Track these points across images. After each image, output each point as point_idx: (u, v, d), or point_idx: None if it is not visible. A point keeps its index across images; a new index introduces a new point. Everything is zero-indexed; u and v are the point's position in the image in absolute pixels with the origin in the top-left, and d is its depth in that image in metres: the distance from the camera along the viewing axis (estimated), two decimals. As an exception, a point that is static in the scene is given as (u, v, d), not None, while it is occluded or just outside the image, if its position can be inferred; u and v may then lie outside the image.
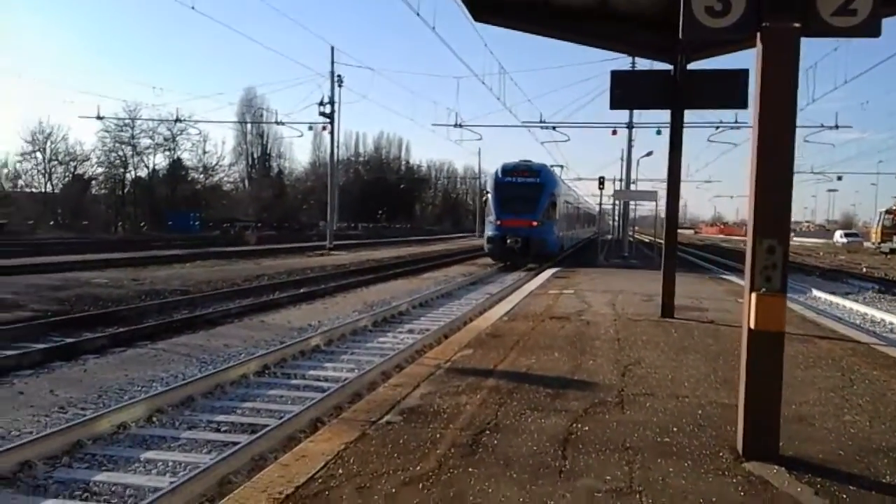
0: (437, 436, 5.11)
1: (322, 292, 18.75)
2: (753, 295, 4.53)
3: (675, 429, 5.39)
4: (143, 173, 67.90)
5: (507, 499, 4.03)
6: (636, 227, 44.26)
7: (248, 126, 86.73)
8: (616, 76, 11.37)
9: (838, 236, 73.35)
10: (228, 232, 59.82)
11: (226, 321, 13.46)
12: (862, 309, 17.92)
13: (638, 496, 4.09)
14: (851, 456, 4.86)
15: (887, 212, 51.62)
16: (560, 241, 33.85)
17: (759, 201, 4.56)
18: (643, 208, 54.40)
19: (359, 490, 4.12)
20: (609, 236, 37.09)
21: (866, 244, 53.51)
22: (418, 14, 17.36)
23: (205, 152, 72.34)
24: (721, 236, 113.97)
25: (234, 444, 6.37)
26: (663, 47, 10.98)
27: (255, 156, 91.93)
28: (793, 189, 4.62)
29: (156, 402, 7.36)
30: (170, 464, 5.96)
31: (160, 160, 69.14)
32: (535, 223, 29.14)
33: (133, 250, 31.56)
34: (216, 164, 75.55)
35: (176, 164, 69.86)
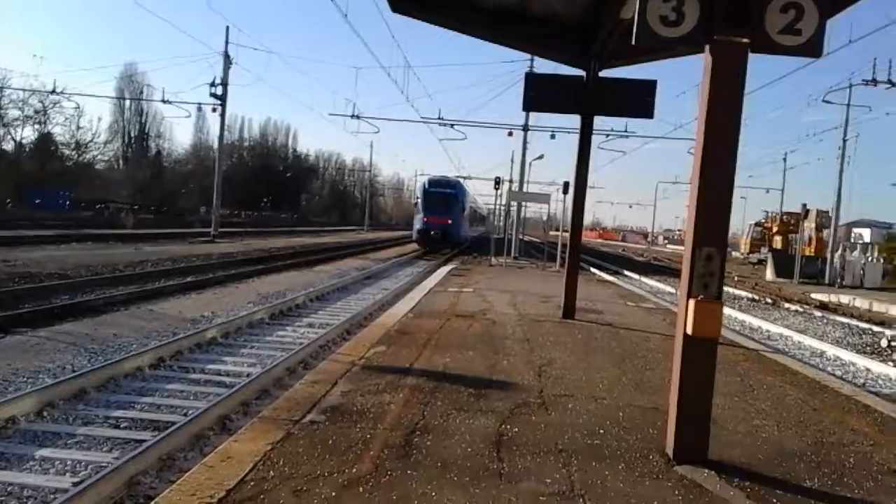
0: (367, 436, 4.94)
1: (212, 281, 18.06)
2: (691, 301, 4.61)
3: (601, 431, 5.43)
4: (8, 147, 63.34)
5: (453, 502, 3.93)
6: (523, 229, 44.98)
7: (127, 103, 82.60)
8: (530, 79, 11.48)
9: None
10: (102, 213, 56.64)
11: (111, 309, 12.70)
12: (739, 316, 18.90)
13: (581, 500, 4.08)
14: (770, 460, 5.04)
15: (757, 224, 54.89)
16: (466, 234, 48.72)
17: (700, 210, 4.65)
18: (528, 210, 55.57)
19: (296, 494, 3.91)
20: (496, 235, 37.53)
21: (735, 254, 56.74)
22: (332, 0, 16.98)
23: (79, 128, 68.46)
24: (600, 241, 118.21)
25: (138, 441, 6.01)
26: (578, 53, 11.13)
27: (133, 134, 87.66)
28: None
29: (46, 395, 6.81)
30: (69, 463, 5.53)
31: (28, 133, 64.68)
32: (449, 221, 41.89)
33: (-2, 229, 29.38)
34: (90, 142, 71.60)
35: (45, 139, 65.54)
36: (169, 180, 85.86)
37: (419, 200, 44.23)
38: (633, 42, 4.59)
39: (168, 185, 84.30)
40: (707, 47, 4.60)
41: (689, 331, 4.62)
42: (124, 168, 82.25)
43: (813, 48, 4.53)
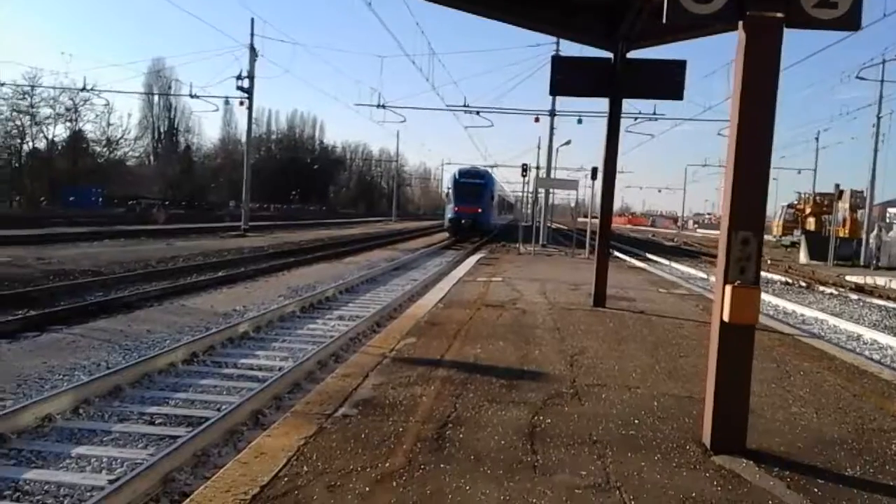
0: (400, 429, 4.89)
1: (242, 276, 18.14)
2: (728, 287, 4.49)
3: (636, 421, 5.33)
4: (41, 145, 64.21)
5: (487, 496, 3.86)
6: (551, 216, 44.77)
7: (156, 98, 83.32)
8: (557, 62, 11.34)
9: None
10: (134, 209, 57.37)
11: (145, 305, 12.80)
12: (773, 300, 18.58)
13: (618, 492, 3.99)
14: (810, 448, 4.91)
15: (789, 206, 53.97)
16: (495, 223, 50.63)
17: (736, 193, 4.52)
18: (556, 196, 55.25)
19: (330, 489, 3.87)
20: (524, 223, 37.36)
21: (767, 237, 55.82)
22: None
23: (109, 124, 69.15)
24: (629, 226, 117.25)
25: (172, 437, 6.02)
26: (605, 34, 10.95)
27: (162, 130, 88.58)
28: (769, 183, 4.59)
29: (81, 392, 6.85)
30: (104, 460, 5.54)
31: (60, 131, 65.43)
32: (479, 210, 44.26)
33: (33, 227, 29.74)
34: (121, 138, 72.32)
35: (77, 136, 66.33)
36: (198, 175, 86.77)
37: (450, 191, 46.88)
38: (665, 20, 4.45)
39: (198, 180, 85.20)
40: (740, 24, 4.45)
41: (727, 317, 4.50)
42: (155, 164, 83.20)
43: (850, 21, 4.36)
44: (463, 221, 43.37)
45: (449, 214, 45.13)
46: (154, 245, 25.74)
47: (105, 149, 70.89)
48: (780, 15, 4.37)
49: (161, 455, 5.31)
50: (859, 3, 4.34)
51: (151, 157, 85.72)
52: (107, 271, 17.05)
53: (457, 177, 47.24)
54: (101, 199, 60.88)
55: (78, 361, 8.61)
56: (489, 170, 53.21)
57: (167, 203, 66.33)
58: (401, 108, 40.11)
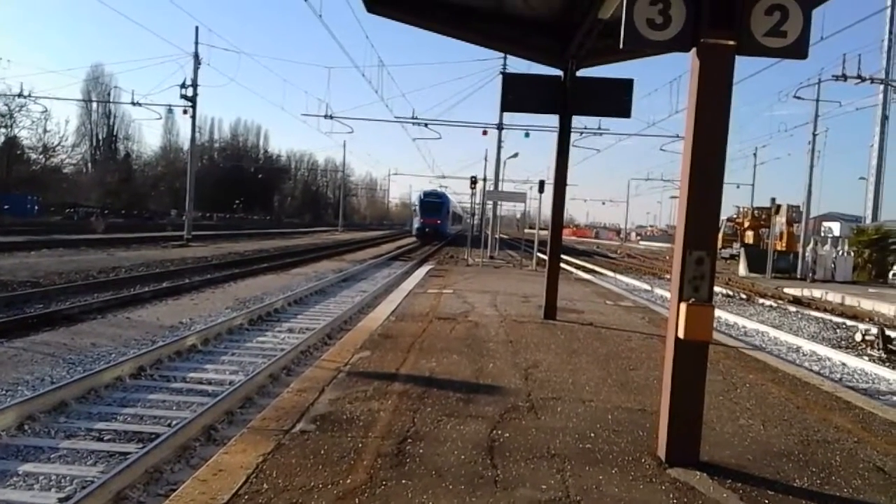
0: (359, 445, 4.90)
1: (188, 287, 17.84)
2: (683, 305, 4.62)
3: (592, 434, 5.43)
4: (-27, 151, 62.08)
5: (451, 513, 3.90)
6: (499, 227, 45.17)
7: (94, 105, 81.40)
8: (508, 79, 11.48)
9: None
10: (72, 218, 55.84)
11: (88, 317, 12.50)
12: (717, 313, 18.95)
13: (578, 506, 4.07)
14: (759, 460, 5.07)
15: (728, 220, 55.48)
16: (450, 231, 67.49)
17: (690, 214, 4.66)
18: (503, 207, 55.98)
19: (292, 508, 3.85)
20: (473, 233, 37.61)
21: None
22: (306, 0, 16.88)
23: (46, 131, 67.32)
24: (574, 238, 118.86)
25: (123, 454, 5.89)
26: (555, 53, 11.14)
27: (101, 137, 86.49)
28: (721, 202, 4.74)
29: (25, 408, 6.67)
30: (53, 478, 5.40)
31: (-7, 137, 63.44)
32: (439, 221, 62.06)
33: (-34, 236, 28.75)
34: (58, 145, 70.45)
35: (12, 143, 64.34)
36: (139, 183, 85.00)
37: (417, 207, 65.09)
38: (621, 45, 4.58)
39: (138, 189, 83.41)
40: (694, 50, 4.61)
41: (682, 334, 4.63)
42: (93, 171, 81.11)
43: (798, 50, 4.56)
44: (427, 229, 60.33)
45: (416, 224, 63.04)
46: (94, 255, 25.12)
47: (41, 156, 68.98)
48: (732, 43, 4.55)
49: (113, 472, 5.21)
50: (807, 33, 4.54)
51: (89, 165, 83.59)
52: (46, 282, 16.59)
53: (422, 197, 65.08)
54: (36, 207, 59.09)
55: (21, 376, 8.37)
56: (445, 191, 71.12)
57: (106, 212, 64.73)
58: (349, 118, 40.20)
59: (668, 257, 55.24)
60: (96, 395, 7.70)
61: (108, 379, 8.16)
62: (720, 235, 55.12)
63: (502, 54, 28.96)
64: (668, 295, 22.73)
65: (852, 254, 33.54)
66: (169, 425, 6.75)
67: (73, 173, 78.61)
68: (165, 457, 5.86)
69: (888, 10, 38.87)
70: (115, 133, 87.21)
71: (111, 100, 74.43)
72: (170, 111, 40.08)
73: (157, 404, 7.68)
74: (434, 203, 63.34)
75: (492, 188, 35.72)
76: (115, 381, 8.21)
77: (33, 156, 68.15)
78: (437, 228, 61.09)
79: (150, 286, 17.29)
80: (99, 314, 12.94)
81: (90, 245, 29.81)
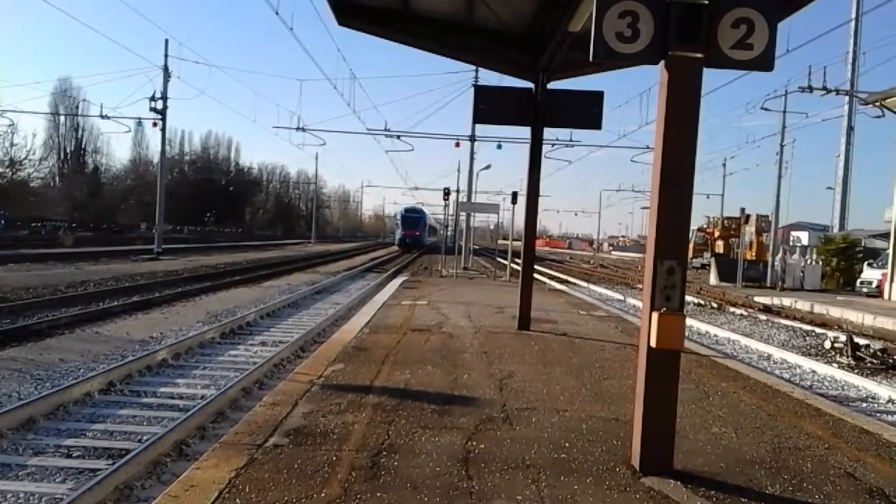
0: (334, 458, 4.86)
1: (158, 301, 17.64)
2: (654, 314, 4.66)
3: (566, 444, 5.45)
4: (-62, 166, 60.94)
5: (426, 526, 3.88)
6: (472, 238, 45.31)
7: (62, 118, 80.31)
8: (480, 92, 11.52)
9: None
10: (39, 232, 55.07)
11: (56, 332, 12.30)
12: (688, 321, 19.16)
13: (553, 517, 4.08)
14: (732, 468, 5.11)
15: (699, 230, 56.07)
16: (427, 241, 76.26)
17: (661, 224, 4.71)
18: (476, 219, 56.35)
19: (266, 524, 3.82)
20: (447, 244, 37.65)
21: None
22: (277, 13, 16.85)
23: (13, 145, 66.12)
24: (547, 248, 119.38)
25: (92, 471, 5.80)
26: (527, 65, 11.23)
27: (69, 150, 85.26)
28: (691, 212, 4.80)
29: (-8, 425, 6.54)
30: (21, 496, 5.31)
31: (-42, 152, 62.32)
32: (417, 233, 72.44)
33: (-70, 251, 28.20)
34: (25, 158, 69.21)
35: (-25, 157, 63.29)
36: (107, 197, 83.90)
37: (399, 221, 75.84)
38: (591, 58, 4.63)
39: (106, 202, 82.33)
40: (662, 63, 4.67)
41: (654, 343, 4.66)
42: (61, 185, 79.95)
43: (764, 62, 4.64)
44: (408, 240, 70.73)
45: (399, 235, 74.26)
46: (63, 269, 24.78)
47: (8, 169, 67.76)
48: (700, 55, 4.61)
49: (82, 489, 5.12)
50: (773, 45, 4.62)
51: (57, 179, 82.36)
52: (13, 297, 16.31)
53: (403, 212, 75.60)
54: (3, 221, 58.10)
55: (-14, 393, 8.22)
56: (423, 207, 79.98)
57: (74, 225, 63.83)
58: (321, 131, 40.11)
59: (640, 267, 55.70)
60: (65, 412, 7.57)
61: (77, 395, 8.04)
62: (691, 245, 55.71)
63: (474, 67, 29.04)
64: (640, 304, 22.88)
65: (820, 262, 34.08)
66: (139, 441, 6.66)
67: (41, 187, 77.27)
68: (136, 473, 5.78)
69: (852, 24, 39.71)
70: (83, 146, 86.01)
71: (79, 113, 73.41)
72: (139, 124, 39.89)
73: (127, 420, 7.58)
74: (413, 218, 74.13)
75: (465, 199, 35.79)
76: (84, 397, 8.09)
77: (0, 170, 67.01)
78: (415, 239, 71.46)
79: (119, 300, 17.08)
80: (67, 329, 12.74)
81: (58, 259, 29.39)
